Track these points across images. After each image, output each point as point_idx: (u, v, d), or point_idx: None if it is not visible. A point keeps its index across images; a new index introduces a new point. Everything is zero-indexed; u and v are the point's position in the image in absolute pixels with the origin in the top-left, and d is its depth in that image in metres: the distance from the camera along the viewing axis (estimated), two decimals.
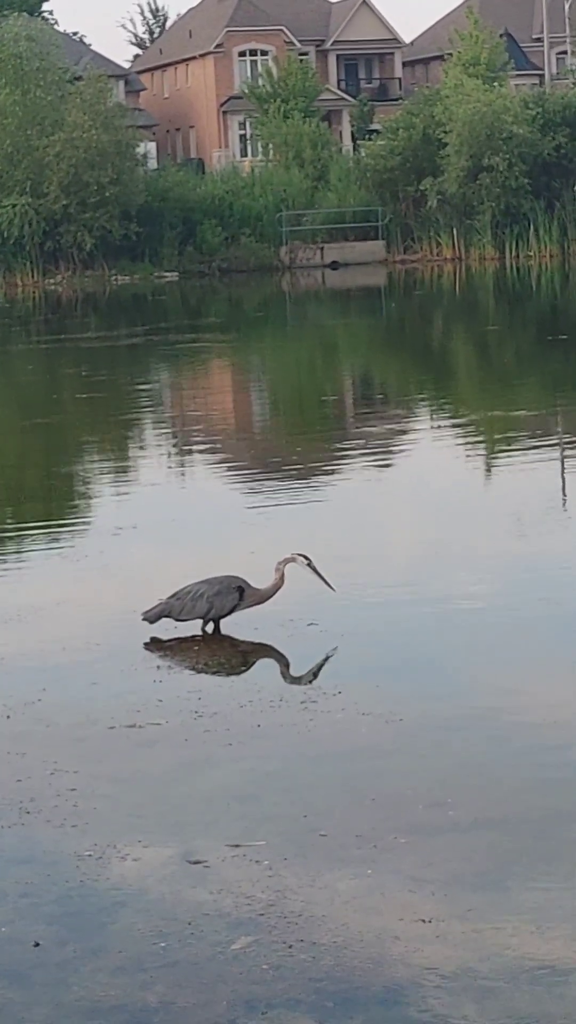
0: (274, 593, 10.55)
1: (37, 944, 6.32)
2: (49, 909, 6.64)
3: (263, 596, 10.54)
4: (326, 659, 9.97)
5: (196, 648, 10.38)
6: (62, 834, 7.37)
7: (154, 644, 10.45)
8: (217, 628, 10.61)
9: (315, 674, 9.72)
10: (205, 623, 10.57)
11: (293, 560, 10.56)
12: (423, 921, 6.33)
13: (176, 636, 10.56)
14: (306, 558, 10.57)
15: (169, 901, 6.64)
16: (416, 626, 10.70)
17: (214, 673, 9.89)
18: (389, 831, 7.22)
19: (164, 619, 10.56)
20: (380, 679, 9.59)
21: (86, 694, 9.49)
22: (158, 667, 10.01)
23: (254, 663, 10.13)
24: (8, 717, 9.10)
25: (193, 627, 10.61)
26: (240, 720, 8.87)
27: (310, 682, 9.57)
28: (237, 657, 10.24)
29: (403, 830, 7.23)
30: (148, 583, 11.67)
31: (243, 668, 10.04)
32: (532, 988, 5.82)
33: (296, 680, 9.65)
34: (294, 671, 9.82)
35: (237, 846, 7.13)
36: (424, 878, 6.73)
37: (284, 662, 9.99)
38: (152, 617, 10.52)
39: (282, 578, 10.51)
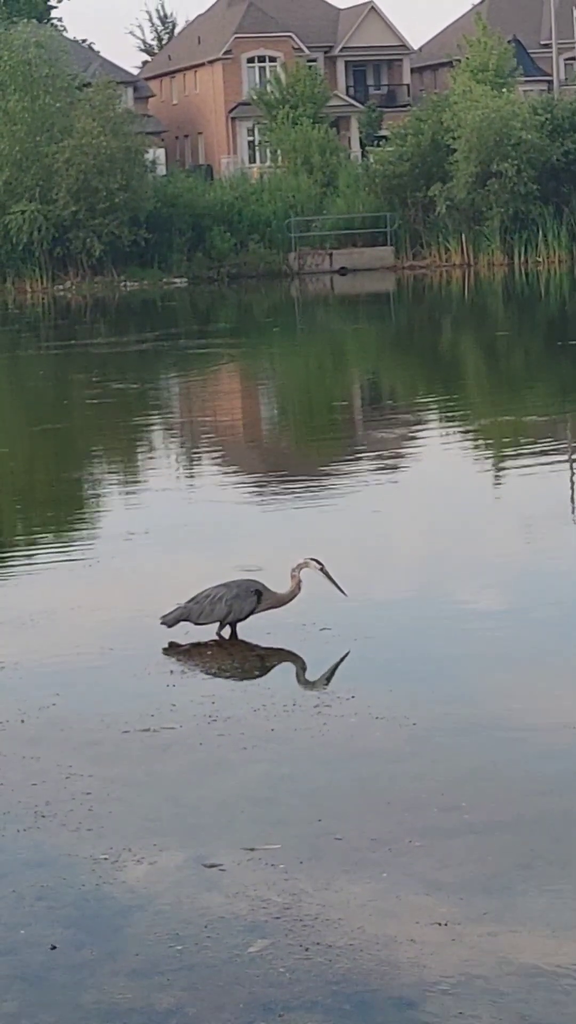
0: (292, 599, 10.58)
1: (54, 947, 6.34)
2: (65, 912, 6.65)
3: (281, 600, 10.57)
4: (340, 662, 9.98)
5: (210, 652, 10.40)
6: (77, 838, 7.38)
7: (169, 648, 10.46)
8: (234, 632, 10.63)
9: (329, 678, 9.73)
10: (222, 626, 10.59)
11: (306, 565, 10.58)
12: (438, 924, 6.34)
13: (190, 640, 10.58)
14: (319, 563, 10.60)
15: (185, 905, 6.65)
16: (428, 630, 10.71)
17: (228, 677, 9.91)
18: (404, 834, 7.23)
19: (177, 624, 10.58)
20: (393, 683, 9.60)
21: (100, 698, 9.51)
22: (172, 671, 10.02)
23: (268, 667, 10.14)
24: (23, 721, 9.12)
25: (208, 632, 10.63)
26: (254, 724, 8.88)
27: (324, 686, 9.59)
28: (251, 661, 10.25)
29: (418, 833, 7.24)
30: (160, 588, 11.69)
31: (257, 672, 10.06)
32: (547, 992, 5.83)
33: (310, 684, 9.67)
34: (308, 675, 9.83)
35: (252, 850, 7.14)
36: (439, 881, 6.73)
37: (299, 664, 10.01)
38: (170, 621, 10.55)
39: (299, 584, 10.54)
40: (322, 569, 10.57)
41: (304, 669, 9.93)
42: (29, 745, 8.70)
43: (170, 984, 5.98)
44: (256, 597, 10.49)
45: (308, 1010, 5.75)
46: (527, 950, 6.12)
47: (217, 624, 10.57)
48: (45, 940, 6.40)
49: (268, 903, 6.59)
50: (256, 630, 10.65)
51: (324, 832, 7.32)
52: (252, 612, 10.53)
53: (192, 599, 10.55)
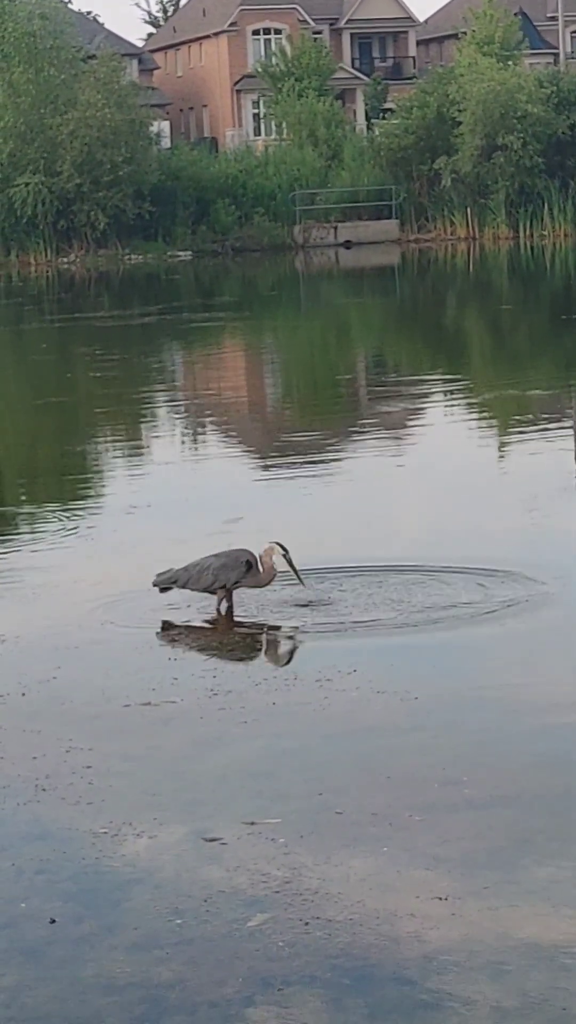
0: (269, 581, 10.51)
1: (53, 921, 6.33)
2: (65, 886, 6.64)
3: (259, 583, 10.51)
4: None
5: (211, 627, 10.38)
6: (77, 811, 7.37)
7: (168, 625, 10.45)
8: (230, 607, 10.59)
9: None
10: (219, 600, 10.56)
11: (272, 551, 10.45)
12: (438, 899, 6.33)
13: (191, 613, 10.57)
14: (283, 549, 10.45)
15: (184, 878, 6.64)
16: (430, 604, 10.66)
17: (229, 651, 9.89)
18: (404, 809, 7.22)
19: (185, 608, 10.58)
20: (394, 657, 9.58)
21: (101, 672, 9.49)
22: (173, 645, 10.01)
23: (269, 642, 10.12)
24: (23, 695, 9.10)
25: (208, 608, 10.62)
26: (255, 698, 8.87)
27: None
28: (252, 636, 10.23)
29: (418, 808, 7.22)
30: (162, 562, 11.65)
31: (258, 647, 10.04)
32: (547, 967, 5.81)
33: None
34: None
35: (252, 824, 7.13)
36: (439, 856, 6.72)
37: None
38: (160, 583, 10.56)
39: (273, 567, 10.45)
40: (285, 556, 10.44)
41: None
42: (29, 719, 8.69)
43: (169, 958, 5.97)
44: (245, 567, 10.42)
45: (307, 984, 5.73)
46: (528, 925, 6.11)
47: (210, 595, 10.55)
48: (44, 914, 6.39)
49: (268, 877, 6.58)
50: (255, 604, 10.63)
51: (324, 806, 7.30)
52: (239, 582, 10.48)
53: (184, 567, 10.56)
